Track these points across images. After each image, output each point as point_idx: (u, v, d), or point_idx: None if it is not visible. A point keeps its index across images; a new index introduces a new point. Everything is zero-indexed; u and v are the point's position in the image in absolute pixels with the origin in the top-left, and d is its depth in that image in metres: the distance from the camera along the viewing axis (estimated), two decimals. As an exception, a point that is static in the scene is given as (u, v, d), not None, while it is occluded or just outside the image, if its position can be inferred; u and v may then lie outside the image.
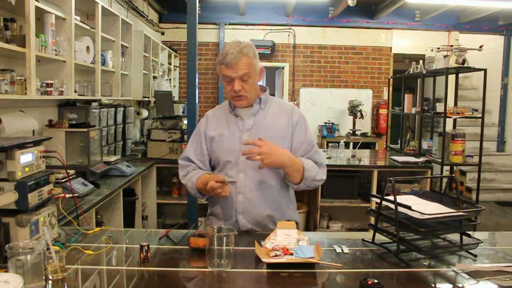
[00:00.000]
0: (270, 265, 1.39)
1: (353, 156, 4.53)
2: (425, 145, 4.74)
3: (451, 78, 4.66)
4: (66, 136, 2.86)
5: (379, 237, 1.60)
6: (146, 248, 1.43)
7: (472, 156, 4.45)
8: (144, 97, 5.03)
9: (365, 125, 7.29)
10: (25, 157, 1.45)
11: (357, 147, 5.38)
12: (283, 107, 1.91)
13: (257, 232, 1.80)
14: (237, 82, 1.75)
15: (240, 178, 1.79)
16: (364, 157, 4.63)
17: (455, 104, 4.85)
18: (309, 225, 4.24)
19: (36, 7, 2.39)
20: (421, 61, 4.94)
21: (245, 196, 1.79)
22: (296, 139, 1.86)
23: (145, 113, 5.21)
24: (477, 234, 1.63)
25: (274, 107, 1.89)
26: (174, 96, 5.95)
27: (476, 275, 1.35)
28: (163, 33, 7.06)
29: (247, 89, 1.78)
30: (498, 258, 1.53)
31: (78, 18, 3.05)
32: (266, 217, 1.81)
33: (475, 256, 1.51)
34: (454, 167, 5.80)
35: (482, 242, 1.56)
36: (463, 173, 6.65)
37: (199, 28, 3.66)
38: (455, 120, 4.81)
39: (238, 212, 1.80)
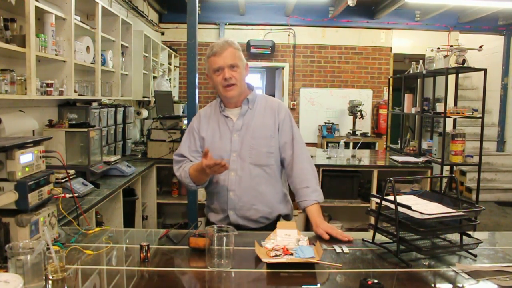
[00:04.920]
0: (270, 265, 1.39)
1: (353, 156, 4.53)
2: (425, 145, 4.74)
3: (451, 78, 4.66)
4: (66, 136, 2.85)
5: (379, 237, 1.60)
6: (146, 248, 1.43)
7: (472, 156, 4.45)
8: (144, 97, 5.03)
9: (365, 125, 7.29)
10: (25, 157, 1.45)
11: (357, 147, 5.38)
12: (269, 104, 1.96)
13: (249, 227, 1.88)
14: (227, 70, 1.82)
15: (231, 176, 1.87)
16: (364, 157, 4.63)
17: (455, 104, 4.85)
18: (309, 225, 4.23)
19: (36, 7, 2.38)
20: (421, 61, 4.93)
21: (235, 193, 1.87)
22: (283, 136, 1.92)
23: (145, 113, 5.20)
24: (477, 234, 1.63)
25: (261, 105, 1.95)
26: (174, 96, 5.95)
27: (476, 275, 1.35)
28: (163, 33, 7.05)
29: (237, 77, 1.84)
30: (498, 258, 1.53)
31: (78, 18, 3.05)
32: (256, 213, 1.88)
33: (475, 256, 1.51)
34: (454, 167, 5.80)
35: (482, 242, 1.56)
36: (463, 173, 6.65)
37: (199, 28, 3.66)
38: (455, 120, 4.81)
39: (229, 208, 1.89)
